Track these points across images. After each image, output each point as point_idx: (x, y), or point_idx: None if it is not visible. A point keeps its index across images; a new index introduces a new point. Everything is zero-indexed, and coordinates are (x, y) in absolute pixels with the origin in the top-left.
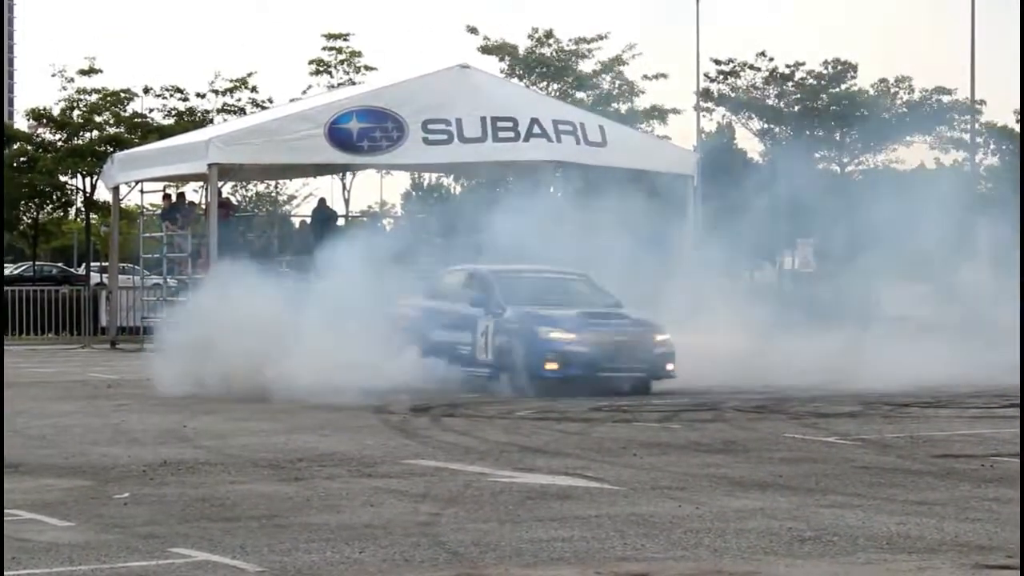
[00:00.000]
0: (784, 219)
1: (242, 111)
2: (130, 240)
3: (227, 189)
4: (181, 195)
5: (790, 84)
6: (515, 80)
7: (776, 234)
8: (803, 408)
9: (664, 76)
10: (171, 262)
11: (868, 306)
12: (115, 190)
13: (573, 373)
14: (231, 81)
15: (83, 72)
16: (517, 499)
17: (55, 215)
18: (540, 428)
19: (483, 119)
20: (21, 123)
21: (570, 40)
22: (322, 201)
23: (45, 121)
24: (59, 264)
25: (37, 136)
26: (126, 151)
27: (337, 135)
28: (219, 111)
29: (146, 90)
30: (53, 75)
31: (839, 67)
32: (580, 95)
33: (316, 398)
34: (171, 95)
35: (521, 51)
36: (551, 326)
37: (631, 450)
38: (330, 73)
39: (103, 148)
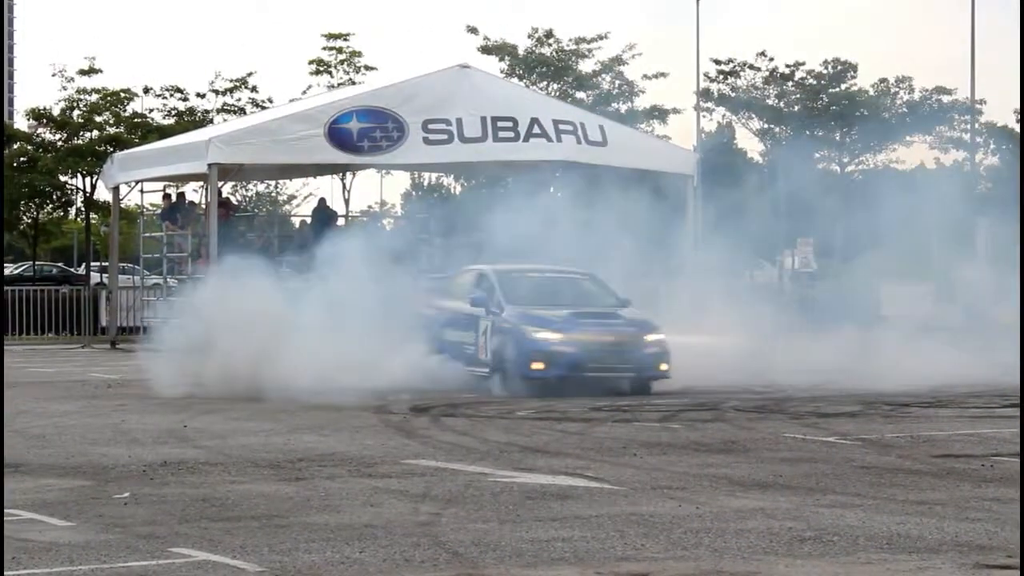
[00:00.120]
0: (785, 218)
1: (242, 111)
2: (130, 240)
3: (227, 189)
4: (181, 195)
5: (790, 84)
6: (515, 80)
7: (776, 234)
8: (803, 408)
9: (664, 76)
10: (171, 262)
11: (871, 306)
12: (115, 190)
13: (559, 373)
14: (231, 81)
15: (83, 72)
16: (517, 499)
17: (55, 215)
18: (540, 428)
19: (483, 119)
20: (21, 123)
21: (570, 40)
22: (322, 201)
23: (45, 121)
24: (59, 264)
25: (37, 136)
26: (126, 151)
27: (337, 135)
28: (219, 111)
29: (146, 90)
30: (53, 75)
31: (839, 67)
32: (580, 95)
33: (316, 398)
34: (171, 95)
35: (521, 51)
36: (539, 326)
37: (631, 450)
38: (330, 73)
39: (103, 148)
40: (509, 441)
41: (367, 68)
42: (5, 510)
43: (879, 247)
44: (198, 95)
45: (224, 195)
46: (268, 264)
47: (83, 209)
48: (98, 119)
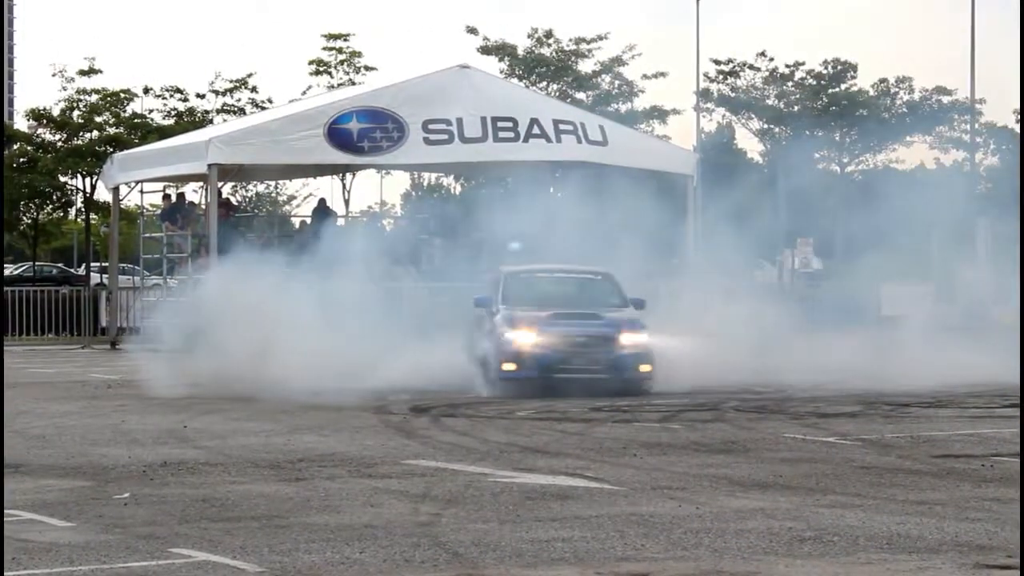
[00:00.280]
0: (785, 218)
1: (242, 111)
2: (130, 240)
3: (227, 189)
4: (181, 195)
5: (790, 84)
6: (515, 80)
7: (776, 234)
8: (803, 408)
9: (664, 75)
10: (171, 262)
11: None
12: (115, 190)
13: (529, 374)
14: (231, 81)
15: (83, 72)
16: (517, 499)
17: (55, 215)
18: (540, 428)
19: (483, 119)
20: (21, 123)
21: (570, 40)
22: (322, 201)
23: (45, 121)
24: (59, 264)
25: (37, 136)
26: (126, 151)
27: (337, 135)
28: (219, 111)
29: (146, 90)
30: (53, 75)
31: (839, 67)
32: (580, 95)
33: (316, 398)
34: (171, 95)
35: (521, 51)
36: (513, 327)
37: (631, 450)
38: (330, 73)
39: (103, 148)
40: (509, 441)
41: (367, 68)
42: (5, 510)
43: (881, 247)
44: (198, 95)
45: (224, 195)
46: (266, 263)
47: (83, 210)
48: (98, 119)
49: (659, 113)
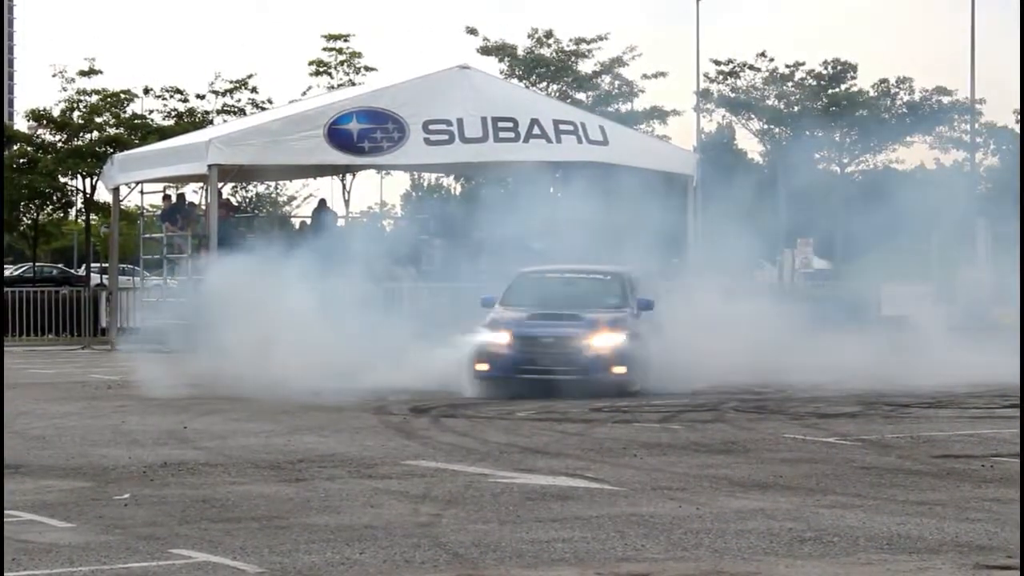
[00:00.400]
0: (785, 218)
1: (242, 112)
2: (130, 241)
3: (227, 190)
4: (181, 196)
5: (790, 84)
6: (515, 81)
7: (776, 233)
8: (803, 409)
9: (664, 76)
10: (171, 263)
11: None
12: (115, 191)
13: (499, 374)
14: (231, 82)
15: (83, 73)
16: (517, 500)
17: (55, 216)
18: (540, 429)
19: (484, 119)
20: (21, 124)
21: (570, 40)
22: (322, 202)
23: (45, 122)
24: (59, 265)
25: (37, 137)
26: (126, 152)
27: (337, 136)
28: (219, 112)
29: (146, 91)
30: (53, 75)
31: (839, 67)
32: (580, 95)
33: (316, 398)
34: (171, 96)
35: (521, 51)
36: (489, 327)
37: (631, 451)
38: (330, 74)
39: (103, 149)
40: (509, 442)
41: (367, 69)
42: (5, 511)
43: (883, 247)
44: (198, 96)
45: (224, 196)
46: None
47: (83, 210)
48: (98, 120)
49: (659, 113)
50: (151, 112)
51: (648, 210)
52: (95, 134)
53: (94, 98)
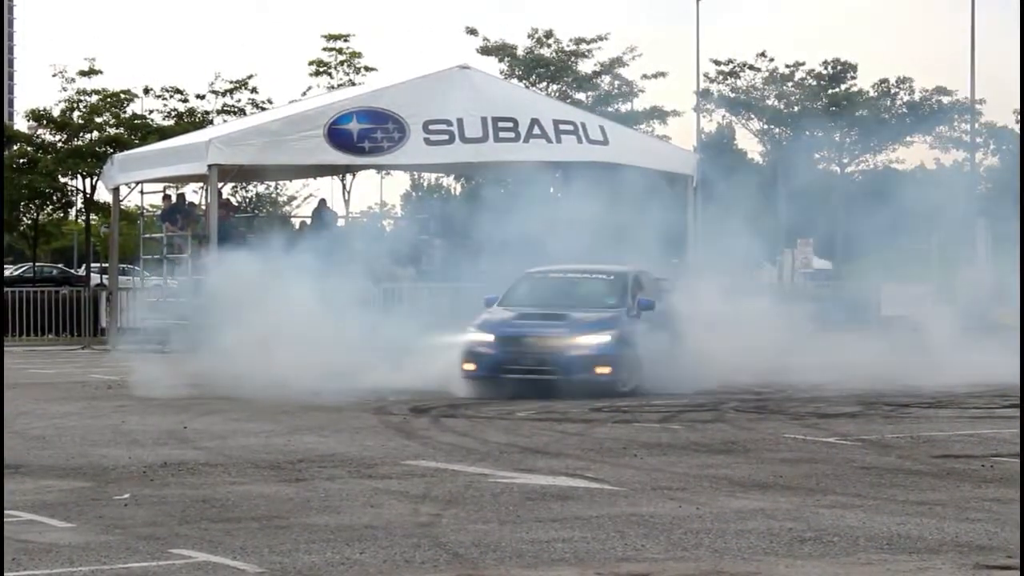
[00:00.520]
0: (785, 218)
1: (242, 112)
2: (130, 241)
3: (227, 190)
4: (181, 196)
5: (790, 84)
6: (515, 80)
7: (776, 233)
8: (803, 409)
9: (664, 76)
10: (171, 263)
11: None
12: (115, 191)
13: (484, 374)
14: (231, 82)
15: (83, 73)
16: (517, 500)
17: (55, 216)
18: (540, 429)
19: (484, 119)
20: (21, 124)
21: (570, 40)
22: (322, 202)
23: (45, 122)
24: (59, 265)
25: (37, 137)
26: (126, 152)
27: (337, 136)
28: (219, 112)
29: (146, 91)
30: (53, 75)
31: (839, 67)
32: (580, 95)
33: (316, 398)
34: (171, 96)
35: (521, 51)
36: (478, 328)
37: (631, 451)
38: (330, 74)
39: (103, 149)
40: (509, 442)
41: (367, 69)
42: (5, 511)
43: (886, 247)
44: (198, 96)
45: (224, 196)
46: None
47: (83, 210)
48: (98, 120)
49: (659, 113)
50: (151, 112)
51: (648, 210)
52: (95, 134)
53: (94, 98)
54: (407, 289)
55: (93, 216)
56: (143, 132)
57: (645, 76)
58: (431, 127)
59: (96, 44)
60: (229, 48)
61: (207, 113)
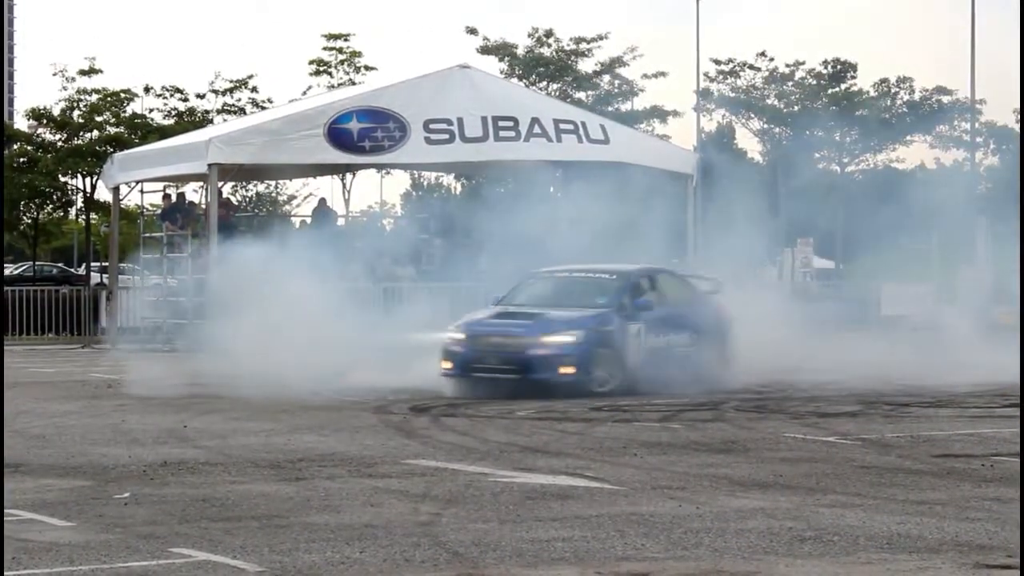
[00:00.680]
0: (784, 218)
1: (242, 111)
2: (130, 240)
3: (227, 189)
4: (181, 195)
5: (790, 84)
6: (515, 80)
7: (777, 233)
8: (803, 408)
9: (664, 75)
10: (171, 262)
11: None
12: (115, 190)
13: (457, 373)
14: (231, 81)
15: (83, 72)
16: (517, 499)
17: (55, 215)
18: (540, 428)
19: (484, 119)
20: (21, 123)
21: (570, 40)
22: (322, 201)
23: (45, 121)
24: (59, 264)
25: (37, 136)
26: (126, 151)
27: (337, 135)
28: (219, 111)
29: (146, 90)
30: (54, 75)
31: (839, 67)
32: (580, 95)
33: (316, 398)
34: (171, 95)
35: (521, 51)
36: (456, 327)
37: (631, 450)
38: (330, 73)
39: (103, 148)
40: (509, 441)
41: (367, 68)
42: (5, 510)
43: (884, 246)
44: (198, 95)
45: (224, 195)
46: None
47: (83, 209)
48: (98, 119)
49: (659, 113)
50: (151, 111)
51: (648, 209)
52: (95, 133)
53: (94, 97)
54: (407, 288)
55: (93, 215)
56: (143, 131)
57: (645, 76)
58: (432, 126)
59: (96, 43)
60: (229, 48)
61: (207, 112)
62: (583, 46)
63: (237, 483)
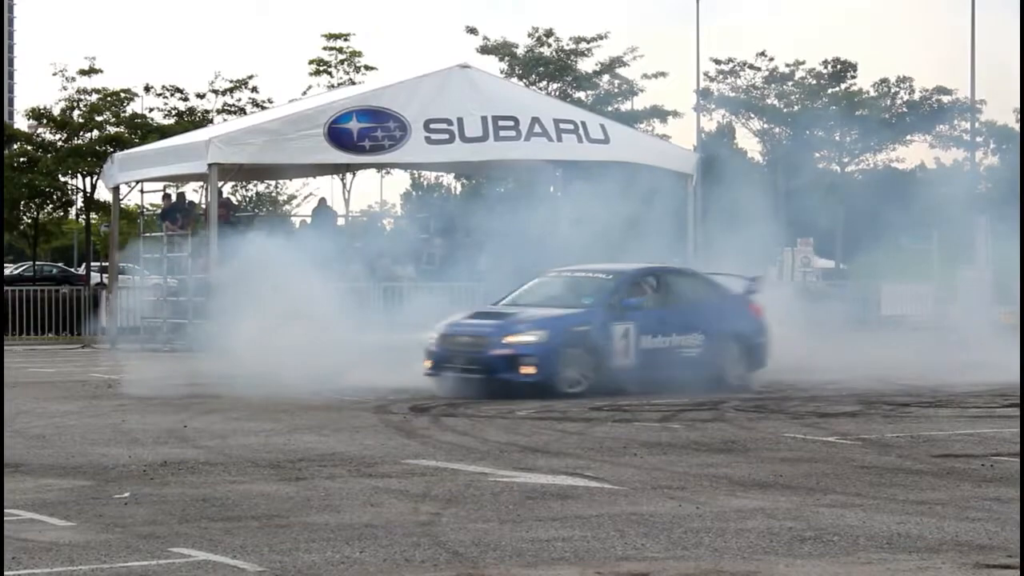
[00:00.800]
0: (784, 218)
1: (242, 111)
2: (130, 240)
3: (227, 189)
4: (181, 195)
5: (790, 84)
6: (515, 80)
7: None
8: (803, 408)
9: (664, 75)
10: (171, 262)
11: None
12: (115, 190)
13: (434, 372)
14: (231, 81)
15: (83, 72)
16: (517, 499)
17: (55, 215)
18: (540, 428)
19: (484, 118)
20: (21, 123)
21: (570, 39)
22: (322, 201)
23: (45, 121)
24: (59, 264)
25: (37, 136)
26: (126, 151)
27: (337, 135)
28: (219, 111)
29: (146, 90)
30: (53, 75)
31: (839, 67)
32: (580, 95)
33: (316, 398)
34: (171, 95)
35: (521, 50)
36: (439, 327)
37: (631, 450)
38: (330, 73)
39: (103, 148)
40: (509, 441)
41: (367, 68)
42: (5, 510)
43: (885, 246)
44: (198, 95)
45: (224, 195)
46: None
47: (83, 209)
48: (98, 119)
49: (659, 113)
50: (151, 111)
51: (648, 209)
52: (95, 133)
53: (94, 97)
54: (407, 288)
55: (93, 215)
56: (143, 131)
57: (645, 76)
58: (432, 126)
59: (96, 43)
60: (229, 48)
61: (207, 112)
62: (583, 46)
63: (237, 483)
